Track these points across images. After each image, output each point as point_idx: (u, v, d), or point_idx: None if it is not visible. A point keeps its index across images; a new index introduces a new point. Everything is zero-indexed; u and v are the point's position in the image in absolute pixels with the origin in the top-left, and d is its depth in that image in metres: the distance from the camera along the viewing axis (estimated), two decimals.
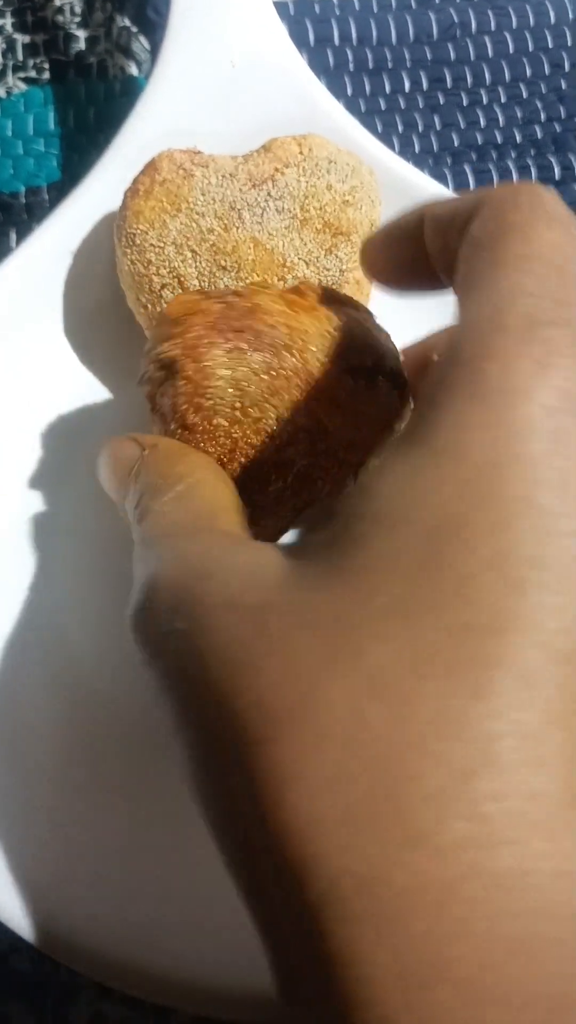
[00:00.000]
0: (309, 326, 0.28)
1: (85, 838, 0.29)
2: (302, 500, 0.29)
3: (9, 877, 0.27)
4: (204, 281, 0.32)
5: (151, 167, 0.33)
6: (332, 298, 0.29)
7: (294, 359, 0.27)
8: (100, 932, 0.27)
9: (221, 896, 0.27)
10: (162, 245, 0.32)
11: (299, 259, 0.32)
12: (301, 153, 0.33)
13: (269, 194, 0.32)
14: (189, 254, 0.32)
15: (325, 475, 0.28)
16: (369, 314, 0.30)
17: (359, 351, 0.28)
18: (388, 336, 0.29)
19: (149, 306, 0.33)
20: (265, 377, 0.27)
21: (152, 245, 0.32)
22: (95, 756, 0.30)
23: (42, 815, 0.29)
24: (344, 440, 0.28)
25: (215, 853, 0.17)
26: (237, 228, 0.32)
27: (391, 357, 0.28)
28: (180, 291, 0.32)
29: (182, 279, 0.32)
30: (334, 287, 0.31)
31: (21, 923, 0.26)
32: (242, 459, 0.28)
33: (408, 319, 0.31)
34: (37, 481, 0.34)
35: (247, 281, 0.31)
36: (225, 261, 0.32)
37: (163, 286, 0.32)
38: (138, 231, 0.32)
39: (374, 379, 0.28)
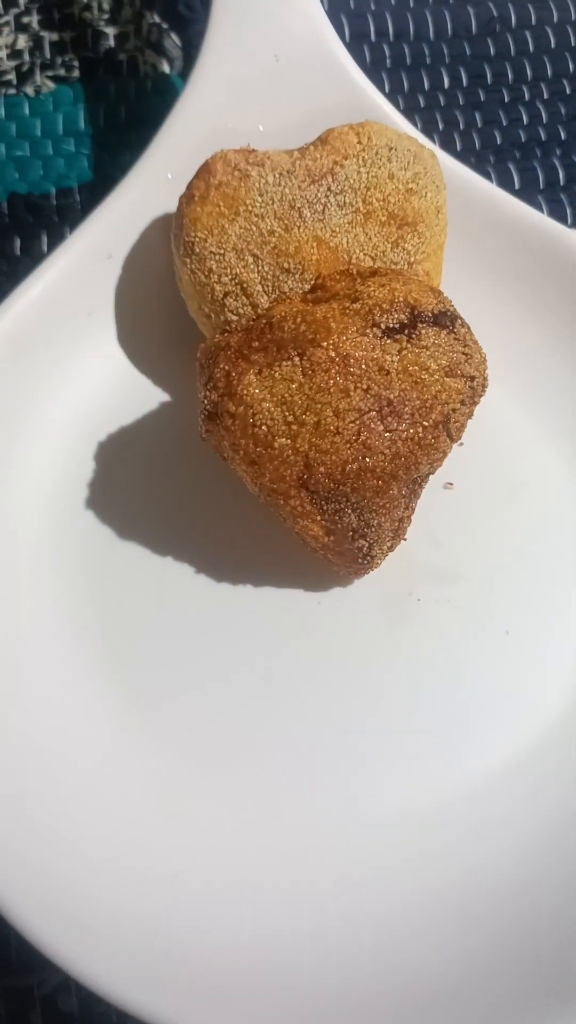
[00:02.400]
0: (326, 312, 0.27)
1: (138, 866, 0.27)
2: (410, 488, 0.28)
3: (57, 913, 0.25)
4: (267, 286, 0.30)
5: (205, 170, 0.32)
6: (357, 275, 0.28)
7: (323, 351, 0.26)
8: (152, 970, 0.25)
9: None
10: (222, 252, 0.30)
11: (365, 255, 0.30)
12: (360, 143, 0.32)
13: (329, 189, 0.31)
14: (251, 259, 0.30)
15: (418, 450, 0.27)
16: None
17: (387, 311, 0.27)
18: (422, 282, 0.28)
19: (212, 315, 0.31)
20: (303, 380, 0.26)
21: (212, 252, 0.31)
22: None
23: (90, 849, 0.27)
24: (415, 404, 0.26)
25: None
26: (299, 227, 0.30)
27: (428, 301, 0.27)
28: (244, 298, 0.31)
29: (245, 285, 0.30)
30: None
31: (69, 959, 0.25)
32: (322, 468, 0.26)
33: (476, 305, 0.30)
34: (95, 488, 0.33)
35: (312, 283, 0.30)
36: (288, 263, 0.30)
37: (226, 294, 0.31)
38: (196, 239, 0.31)
39: (415, 331, 0.26)
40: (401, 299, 0.27)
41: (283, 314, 0.27)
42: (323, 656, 0.31)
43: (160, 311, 0.35)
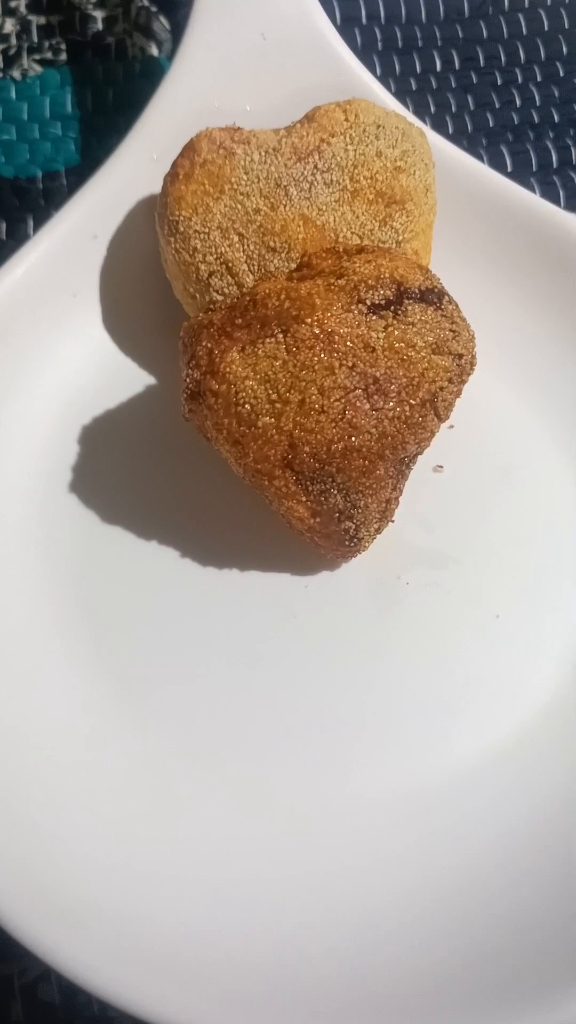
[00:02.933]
0: (311, 288, 0.26)
1: (121, 855, 0.27)
2: (397, 469, 0.27)
3: (38, 903, 0.25)
4: (253, 265, 0.30)
5: (189, 148, 0.31)
6: (344, 252, 0.28)
7: (308, 327, 0.25)
8: (134, 960, 0.25)
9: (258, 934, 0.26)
10: (207, 231, 0.30)
11: (352, 233, 0.30)
12: (347, 120, 0.31)
13: (316, 167, 0.30)
14: (236, 238, 0.30)
15: (405, 429, 0.26)
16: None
17: (372, 287, 0.26)
18: (409, 259, 0.27)
19: (197, 295, 0.31)
20: (287, 357, 0.26)
21: (196, 232, 0.30)
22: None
23: (73, 838, 0.27)
24: (402, 382, 0.26)
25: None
26: (285, 206, 0.30)
27: (414, 277, 0.27)
28: (229, 277, 0.30)
29: (230, 264, 0.30)
30: None
31: (50, 950, 0.24)
32: (307, 448, 0.26)
33: (467, 286, 0.30)
34: (79, 471, 0.32)
35: (298, 262, 0.29)
36: (274, 242, 0.30)
37: (211, 273, 0.30)
38: (181, 218, 0.30)
39: (401, 307, 0.26)
40: (387, 275, 0.26)
41: (267, 291, 0.27)
42: (312, 641, 0.30)
43: (146, 292, 0.34)
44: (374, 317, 0.26)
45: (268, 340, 0.26)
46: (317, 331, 0.26)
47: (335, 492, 0.27)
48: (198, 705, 0.29)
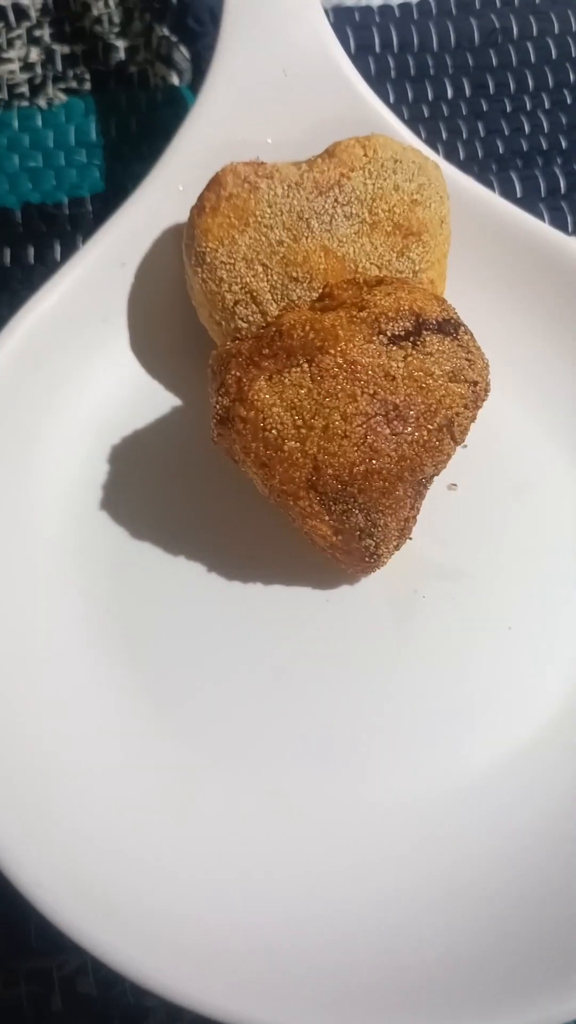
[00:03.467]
0: (334, 320, 0.28)
1: (156, 851, 0.28)
2: (415, 489, 0.29)
3: (78, 892, 0.26)
4: (276, 294, 0.31)
5: (215, 182, 0.33)
6: (364, 284, 0.29)
7: (331, 357, 0.27)
8: (168, 950, 0.26)
9: (299, 923, 0.27)
10: (232, 261, 0.31)
11: (371, 264, 0.31)
12: (366, 155, 0.33)
13: (336, 200, 0.32)
14: (260, 268, 0.31)
15: (423, 452, 0.28)
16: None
17: (392, 319, 0.28)
18: (426, 291, 0.29)
19: (223, 323, 0.32)
20: (311, 385, 0.27)
21: (222, 262, 0.32)
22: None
23: (110, 834, 0.28)
24: (420, 408, 0.27)
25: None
26: (307, 238, 0.31)
27: (432, 309, 0.28)
28: (253, 306, 0.32)
29: (254, 294, 0.31)
30: None
31: (91, 938, 0.26)
32: (330, 470, 0.27)
33: (480, 312, 0.32)
34: (110, 491, 0.34)
35: (320, 291, 0.31)
36: (297, 272, 0.31)
37: (236, 302, 0.32)
38: (207, 249, 0.32)
39: (420, 338, 0.28)
40: (406, 307, 0.28)
41: (292, 322, 0.28)
42: (331, 652, 0.32)
43: (172, 318, 0.36)
44: (394, 347, 0.28)
45: (294, 369, 0.28)
46: (340, 361, 0.27)
47: (356, 512, 0.28)
48: (223, 712, 0.31)
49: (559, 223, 0.42)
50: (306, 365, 0.28)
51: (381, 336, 0.28)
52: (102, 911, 0.26)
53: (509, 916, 0.27)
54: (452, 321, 0.28)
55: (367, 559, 0.30)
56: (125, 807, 0.29)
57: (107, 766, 0.29)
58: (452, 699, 0.31)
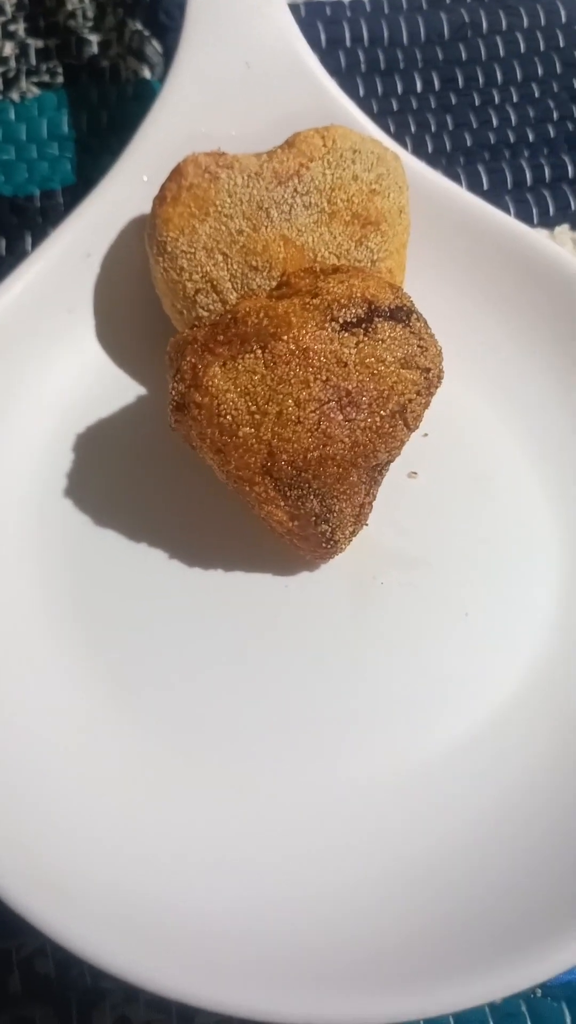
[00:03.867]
0: (288, 307, 0.28)
1: (115, 834, 0.28)
2: (370, 475, 0.29)
3: (35, 875, 0.27)
4: (236, 283, 0.32)
5: (177, 173, 0.33)
6: (320, 272, 0.30)
7: (284, 344, 0.27)
8: (125, 931, 0.27)
9: (253, 896, 0.28)
10: (193, 251, 0.32)
11: (329, 253, 0.32)
12: (325, 146, 0.33)
13: (295, 190, 0.32)
14: (220, 257, 0.32)
15: (376, 438, 0.28)
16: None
17: (344, 306, 0.28)
18: (380, 279, 0.29)
19: (184, 312, 0.33)
20: (265, 372, 0.28)
21: (183, 251, 0.32)
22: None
23: (68, 817, 0.29)
24: (372, 395, 0.28)
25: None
26: (266, 227, 0.32)
27: (385, 296, 0.29)
28: (214, 295, 0.32)
29: (215, 283, 0.32)
30: None
31: (47, 921, 0.26)
32: (284, 456, 0.28)
33: (442, 302, 0.32)
34: (73, 479, 0.34)
35: (279, 280, 0.31)
36: (256, 261, 0.32)
37: (197, 291, 0.32)
38: (168, 238, 0.32)
39: (372, 325, 0.28)
40: (359, 295, 0.28)
41: (247, 309, 0.29)
42: (293, 637, 0.32)
43: (137, 308, 0.36)
44: (346, 334, 0.28)
45: (248, 356, 0.28)
46: (293, 347, 0.27)
47: (311, 497, 0.29)
48: (187, 699, 0.31)
49: (524, 215, 0.42)
50: (260, 351, 0.28)
51: (333, 323, 0.28)
52: (59, 893, 0.26)
53: (481, 888, 0.28)
54: (404, 308, 0.29)
55: (324, 545, 0.30)
56: (85, 789, 0.29)
57: (66, 750, 0.30)
58: (413, 683, 0.32)
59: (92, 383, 0.35)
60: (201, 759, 0.30)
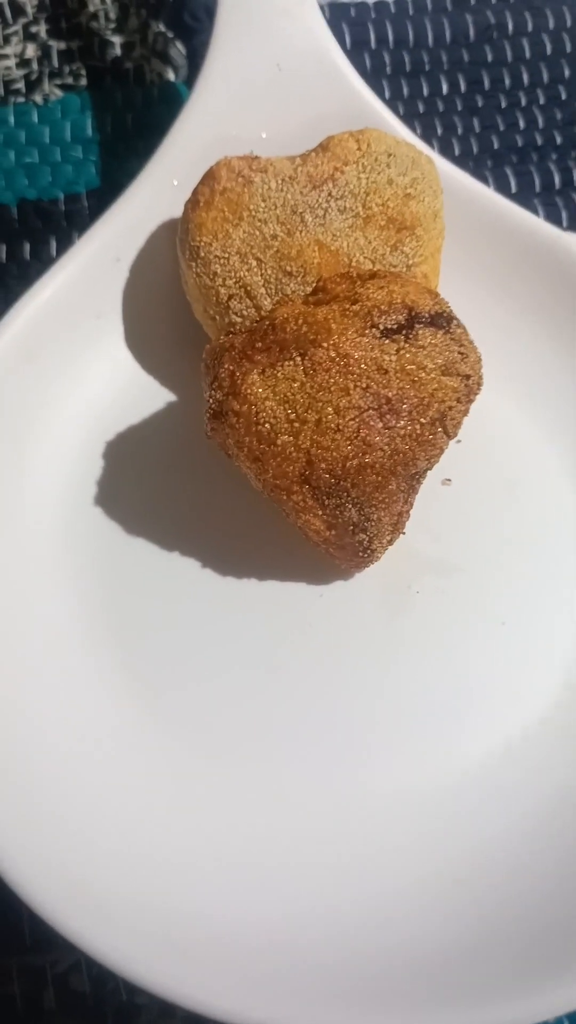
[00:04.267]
0: (327, 314, 0.28)
1: (150, 848, 0.28)
2: (408, 484, 0.29)
3: (70, 890, 0.26)
4: (270, 288, 0.31)
5: (209, 177, 0.33)
6: (357, 277, 0.29)
7: (324, 351, 0.27)
8: (162, 943, 0.26)
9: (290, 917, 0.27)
10: (226, 256, 0.31)
11: (364, 258, 0.31)
12: (359, 149, 0.33)
13: (330, 194, 0.32)
14: (254, 263, 0.31)
15: (415, 446, 0.28)
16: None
17: (385, 312, 0.28)
18: (419, 284, 0.29)
19: (217, 317, 0.32)
20: (304, 379, 0.27)
21: (216, 257, 0.32)
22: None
23: (103, 832, 0.28)
24: (413, 402, 0.27)
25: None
26: (300, 232, 0.31)
27: (425, 303, 0.28)
28: (247, 300, 0.32)
29: (248, 288, 0.31)
30: None
31: (83, 936, 0.26)
32: (323, 464, 0.27)
33: (473, 307, 0.32)
34: (104, 486, 0.34)
35: (314, 285, 0.31)
36: (291, 267, 0.31)
37: (230, 297, 0.32)
38: (201, 243, 0.32)
39: (412, 331, 0.28)
40: (399, 301, 0.28)
41: (285, 316, 0.28)
42: (325, 646, 0.32)
43: (166, 313, 0.36)
44: (387, 341, 0.27)
45: (287, 363, 0.27)
46: (333, 354, 0.27)
47: (350, 506, 0.28)
48: (218, 706, 0.31)
49: (554, 218, 0.41)
50: (299, 359, 0.27)
51: (374, 329, 0.27)
52: (95, 908, 0.26)
53: (506, 902, 0.27)
54: (445, 314, 0.28)
55: (361, 554, 0.30)
56: (119, 803, 0.29)
57: (100, 762, 0.29)
58: (446, 693, 0.31)
59: (122, 389, 0.35)
60: (233, 770, 0.30)
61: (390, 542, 0.31)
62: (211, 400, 0.29)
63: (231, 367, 0.28)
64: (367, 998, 0.26)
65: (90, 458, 0.34)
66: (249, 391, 0.28)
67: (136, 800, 0.29)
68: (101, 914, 0.26)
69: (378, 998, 0.26)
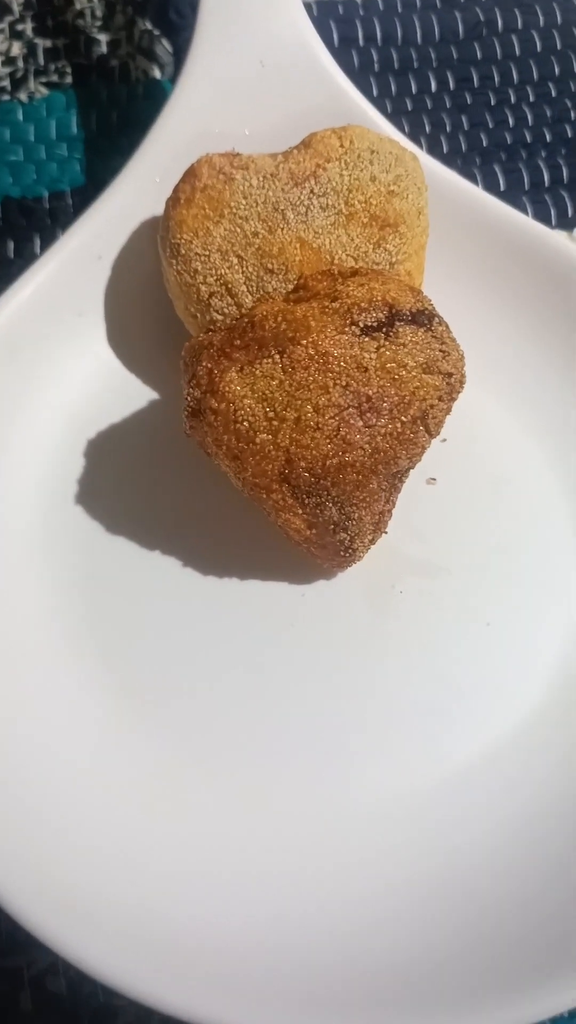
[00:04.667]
0: (306, 311, 0.27)
1: (127, 851, 0.28)
2: (390, 483, 0.29)
3: (48, 897, 0.26)
4: (252, 286, 0.31)
5: (190, 174, 0.32)
6: (339, 275, 0.29)
7: (303, 348, 0.27)
8: (137, 950, 0.26)
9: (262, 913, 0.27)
10: (207, 253, 0.31)
11: (347, 255, 0.31)
12: (342, 146, 0.32)
13: (312, 191, 0.31)
14: (235, 260, 0.31)
15: (397, 444, 0.27)
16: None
17: (365, 310, 0.27)
18: (401, 282, 0.29)
19: (199, 315, 0.32)
20: (283, 377, 0.27)
21: (197, 254, 0.31)
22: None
23: (79, 834, 0.28)
24: (393, 400, 0.27)
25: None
26: (282, 229, 0.31)
27: (406, 300, 0.28)
28: (229, 298, 0.31)
29: (229, 286, 0.31)
30: None
31: (58, 939, 0.25)
32: (302, 463, 0.27)
33: (458, 305, 0.31)
34: (84, 485, 0.33)
35: (295, 283, 0.30)
36: (272, 264, 0.31)
37: (211, 294, 0.31)
38: (182, 241, 0.31)
39: (393, 329, 0.27)
40: (379, 298, 0.28)
41: (264, 313, 0.28)
42: (309, 647, 0.31)
43: (148, 311, 0.35)
44: (367, 339, 0.27)
45: (265, 360, 0.27)
46: (312, 352, 0.27)
47: (330, 505, 0.28)
48: (200, 710, 0.30)
49: (542, 216, 0.41)
50: (278, 356, 0.27)
51: (353, 327, 0.27)
52: (69, 910, 0.26)
53: (495, 905, 0.27)
54: (426, 312, 0.28)
55: (342, 553, 0.30)
56: (97, 805, 0.29)
57: (79, 763, 0.29)
58: (431, 695, 0.31)
59: (103, 387, 0.35)
60: (214, 772, 0.30)
61: (372, 541, 0.30)
62: (189, 398, 0.28)
63: (209, 365, 0.28)
64: (345, 1003, 0.26)
65: (69, 456, 0.34)
66: (227, 389, 0.27)
67: (115, 803, 0.29)
68: (75, 915, 0.26)
69: (357, 1003, 0.26)
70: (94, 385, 0.35)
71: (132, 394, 0.35)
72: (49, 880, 0.26)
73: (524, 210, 0.41)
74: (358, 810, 0.29)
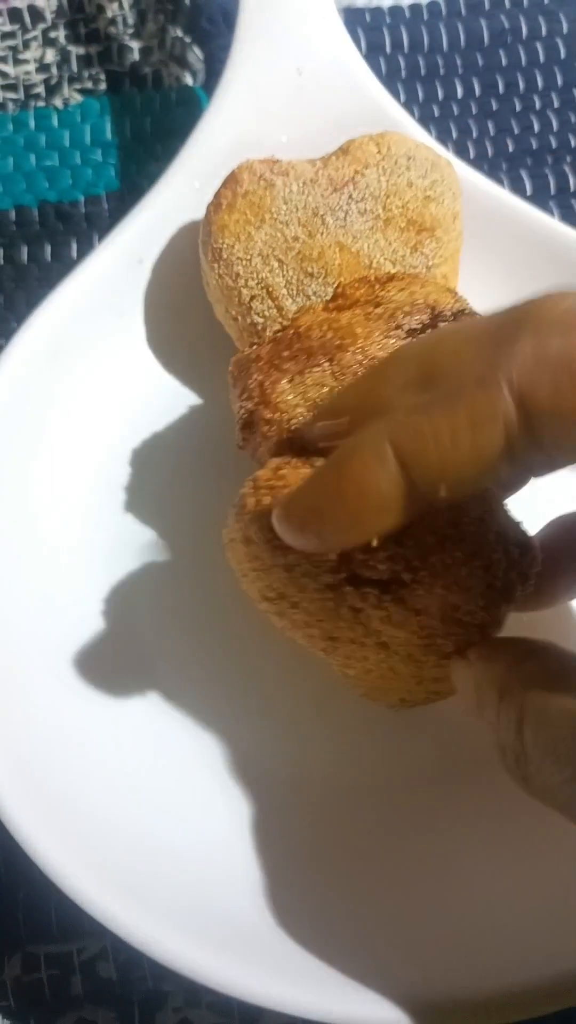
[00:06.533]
0: (351, 318, 0.28)
1: (179, 832, 0.29)
2: None
3: (101, 873, 0.27)
4: (292, 289, 0.32)
5: (232, 180, 0.33)
6: (376, 281, 0.30)
7: (352, 355, 0.27)
8: (191, 925, 0.27)
9: (315, 895, 0.28)
10: (248, 257, 0.32)
11: (385, 259, 0.32)
12: (379, 152, 0.33)
13: (351, 196, 0.32)
14: (276, 264, 0.32)
15: None
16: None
17: (408, 313, 0.28)
18: (439, 285, 0.30)
19: (239, 318, 0.33)
20: (334, 383, 0.28)
21: (239, 258, 0.32)
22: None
23: (133, 816, 0.29)
24: None
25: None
26: (322, 234, 0.32)
27: (446, 301, 0.29)
28: (269, 301, 0.32)
29: (270, 289, 0.32)
30: None
31: (114, 918, 0.26)
32: None
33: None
34: (129, 494, 0.34)
35: (335, 286, 0.31)
36: (312, 268, 0.32)
37: (252, 297, 0.32)
38: (224, 245, 0.32)
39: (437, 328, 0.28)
40: (421, 301, 0.28)
41: (309, 323, 0.29)
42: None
43: (188, 314, 0.36)
44: (412, 341, 0.28)
45: (315, 369, 0.28)
46: (361, 357, 0.28)
47: None
48: (245, 715, 0.32)
49: (569, 220, 0.42)
50: (327, 364, 0.28)
51: (399, 331, 0.28)
52: (125, 891, 0.27)
53: (489, 893, 0.28)
54: (467, 312, 0.29)
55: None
56: (150, 789, 0.30)
57: (130, 749, 0.30)
58: None
59: (144, 391, 0.36)
60: (265, 761, 0.31)
61: None
62: (242, 411, 0.29)
63: (260, 377, 0.28)
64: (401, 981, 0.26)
65: (111, 460, 0.34)
66: (279, 399, 0.28)
67: (168, 786, 0.30)
68: (131, 895, 0.26)
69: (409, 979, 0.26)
70: (136, 389, 0.35)
71: (173, 396, 0.36)
72: (102, 860, 0.27)
73: (551, 214, 0.41)
74: (361, 789, 0.30)
